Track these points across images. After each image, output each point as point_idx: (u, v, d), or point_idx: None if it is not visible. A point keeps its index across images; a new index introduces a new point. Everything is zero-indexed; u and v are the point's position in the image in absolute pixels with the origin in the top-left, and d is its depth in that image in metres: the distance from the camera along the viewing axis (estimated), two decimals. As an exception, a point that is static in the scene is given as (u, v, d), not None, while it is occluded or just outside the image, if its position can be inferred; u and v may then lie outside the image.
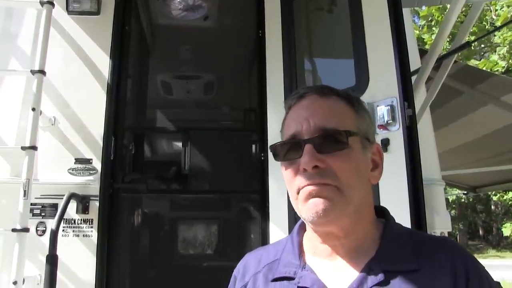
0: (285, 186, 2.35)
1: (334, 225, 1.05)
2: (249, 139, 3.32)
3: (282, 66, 2.98)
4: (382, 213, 1.16)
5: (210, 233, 3.33)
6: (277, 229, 2.83)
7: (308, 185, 1.02)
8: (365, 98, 2.51)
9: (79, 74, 3.07)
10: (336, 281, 1.05)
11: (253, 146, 3.27)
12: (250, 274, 1.18)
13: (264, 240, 2.96)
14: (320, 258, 1.10)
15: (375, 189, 2.33)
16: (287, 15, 3.07)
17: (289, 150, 1.08)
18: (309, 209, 1.02)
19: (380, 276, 1.01)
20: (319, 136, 1.04)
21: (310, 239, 1.14)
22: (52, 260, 2.46)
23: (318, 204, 1.01)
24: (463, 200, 27.04)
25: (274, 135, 3.01)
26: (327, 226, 1.05)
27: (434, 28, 10.11)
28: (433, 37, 9.53)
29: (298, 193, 1.05)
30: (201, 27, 3.81)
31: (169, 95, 3.79)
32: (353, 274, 1.04)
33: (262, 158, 3.05)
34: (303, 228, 1.19)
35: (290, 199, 1.10)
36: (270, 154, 2.90)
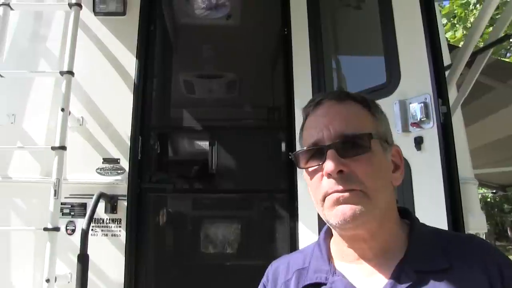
0: (314, 185, 2.21)
1: (361, 228, 1.04)
2: (276, 138, 3.30)
3: (309, 63, 2.95)
4: (405, 214, 1.16)
5: (238, 233, 3.31)
6: (306, 229, 2.80)
7: (335, 191, 1.02)
8: (396, 95, 2.46)
9: (106, 74, 3.10)
10: (368, 285, 1.04)
11: (281, 145, 3.24)
12: (280, 282, 1.18)
13: (292, 239, 2.95)
14: (348, 263, 1.10)
15: (409, 189, 2.27)
16: (313, 12, 3.03)
17: (312, 157, 1.08)
18: (337, 215, 1.02)
19: (413, 277, 0.99)
20: (340, 142, 1.04)
21: (337, 244, 1.14)
22: (83, 259, 2.48)
23: (345, 210, 1.01)
24: (488, 199, 26.41)
25: (302, 134, 2.97)
26: (354, 229, 1.05)
27: (457, 25, 9.85)
28: (457, 34, 9.27)
29: (323, 199, 1.04)
30: (225, 26, 3.80)
31: (195, 94, 3.79)
32: (385, 276, 1.03)
33: (290, 157, 3.01)
34: (329, 234, 1.19)
35: (315, 205, 1.10)
36: (298, 153, 2.91)
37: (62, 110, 2.64)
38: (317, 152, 1.07)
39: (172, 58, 3.84)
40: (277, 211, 3.20)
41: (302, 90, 2.98)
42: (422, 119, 2.34)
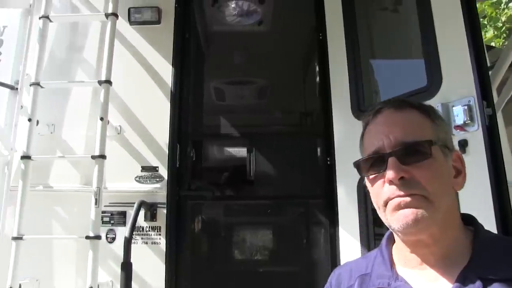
0: (354, 190, 2.29)
1: (424, 233, 1.04)
2: (314, 143, 3.28)
3: (346, 68, 2.92)
4: (469, 221, 1.15)
5: (279, 240, 3.30)
6: (347, 234, 2.77)
7: (396, 196, 1.03)
8: (438, 98, 2.41)
9: (143, 83, 3.14)
10: None
11: (319, 150, 3.22)
12: (344, 287, 1.21)
13: (333, 245, 2.93)
14: (410, 269, 1.10)
15: (454, 194, 2.21)
16: (349, 16, 2.99)
17: (373, 165, 1.10)
18: (399, 219, 1.03)
19: (478, 284, 0.98)
20: (401, 149, 1.06)
21: (400, 250, 1.14)
22: (126, 267, 2.51)
23: (407, 214, 1.02)
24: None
25: (340, 139, 2.97)
26: (416, 234, 1.05)
27: (488, 26, 9.65)
28: (487, 34, 9.08)
29: (385, 205, 1.06)
30: (258, 32, 3.81)
31: (231, 101, 3.80)
32: (448, 283, 1.02)
33: (328, 162, 2.99)
34: (391, 240, 1.20)
35: (377, 210, 1.11)
36: (337, 158, 2.89)
37: (101, 119, 2.66)
38: (378, 160, 1.08)
39: (207, 65, 3.85)
40: (317, 217, 3.18)
41: (340, 95, 2.95)
42: (466, 122, 2.29)
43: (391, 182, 1.04)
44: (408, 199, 1.02)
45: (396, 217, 1.03)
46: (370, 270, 1.17)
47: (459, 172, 1.14)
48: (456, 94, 2.35)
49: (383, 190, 1.06)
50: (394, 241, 1.18)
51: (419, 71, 2.60)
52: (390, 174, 1.03)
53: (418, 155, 1.05)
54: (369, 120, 1.17)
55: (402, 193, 1.02)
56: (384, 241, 1.21)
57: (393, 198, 1.04)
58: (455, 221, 1.10)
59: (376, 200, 1.10)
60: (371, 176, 1.11)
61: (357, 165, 1.15)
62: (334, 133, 2.97)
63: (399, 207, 1.03)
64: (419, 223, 1.01)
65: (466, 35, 2.31)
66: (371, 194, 1.14)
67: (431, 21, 2.51)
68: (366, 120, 1.18)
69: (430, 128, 1.11)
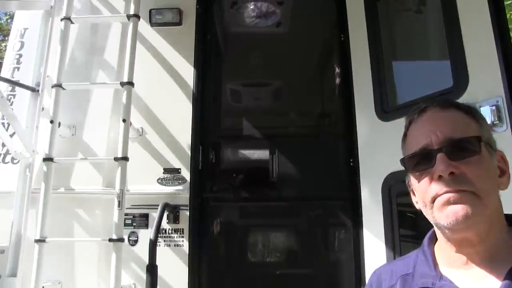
0: (379, 192, 2.25)
1: (472, 230, 1.03)
2: (336, 145, 3.25)
3: (369, 69, 2.90)
4: None
5: (302, 242, 3.27)
6: (372, 237, 2.75)
7: (445, 192, 1.02)
8: (465, 99, 2.37)
9: (164, 84, 3.13)
10: None
11: (342, 152, 3.19)
12: (385, 287, 1.20)
13: (357, 248, 2.90)
14: (455, 268, 1.09)
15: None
16: (372, 17, 2.97)
17: (420, 162, 1.10)
18: (448, 215, 1.02)
19: None
20: (449, 145, 1.05)
21: (443, 249, 1.13)
22: (152, 270, 2.49)
23: (457, 210, 1.00)
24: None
25: (364, 141, 2.95)
26: (465, 231, 1.04)
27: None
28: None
29: (433, 201, 1.05)
30: (277, 33, 3.78)
31: (252, 102, 3.76)
32: (495, 282, 1.01)
33: (351, 164, 2.97)
34: (433, 239, 1.19)
35: (422, 208, 1.10)
36: (361, 160, 2.87)
37: (124, 121, 2.64)
38: (426, 156, 1.07)
39: (229, 66, 3.82)
40: (341, 219, 3.15)
41: (363, 97, 2.94)
42: (494, 123, 2.27)
43: (440, 178, 1.03)
44: (457, 195, 1.01)
45: (445, 213, 1.02)
46: (412, 270, 1.16)
47: (503, 172, 1.13)
48: (484, 95, 2.32)
49: (431, 187, 1.05)
50: (436, 241, 1.17)
51: (444, 72, 2.57)
52: (440, 169, 1.03)
53: (467, 151, 1.05)
54: (413, 119, 1.16)
55: (451, 188, 1.02)
56: (426, 240, 1.20)
57: (441, 194, 1.03)
58: (500, 221, 1.09)
59: (423, 197, 1.09)
60: (417, 173, 1.09)
61: (404, 162, 1.14)
62: (358, 135, 2.96)
63: (448, 203, 1.02)
64: (469, 219, 1.00)
65: (494, 34, 2.28)
66: (416, 192, 1.13)
67: (456, 21, 2.48)
68: (409, 119, 1.18)
69: (475, 127, 1.11)
